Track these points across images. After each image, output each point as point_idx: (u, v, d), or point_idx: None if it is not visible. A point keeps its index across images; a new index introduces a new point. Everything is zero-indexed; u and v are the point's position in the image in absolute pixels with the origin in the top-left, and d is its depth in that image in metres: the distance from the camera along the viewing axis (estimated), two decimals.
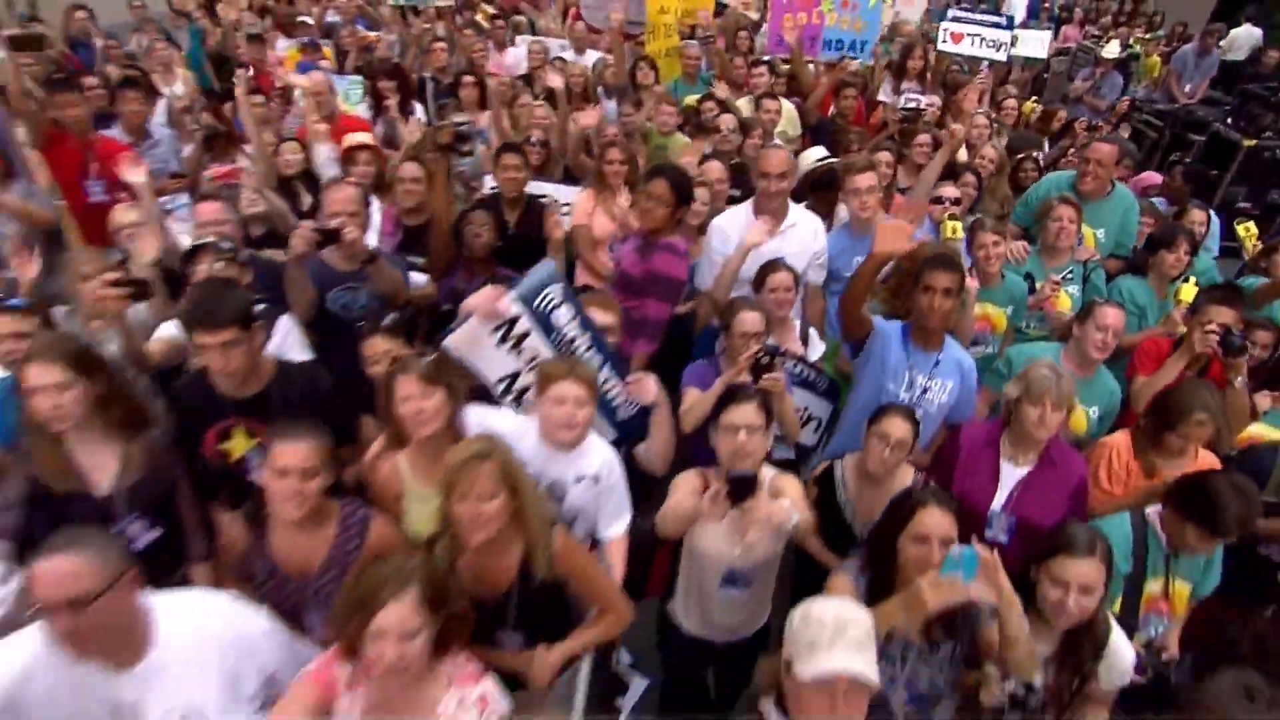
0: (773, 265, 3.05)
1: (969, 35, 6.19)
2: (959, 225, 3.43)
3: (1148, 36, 10.90)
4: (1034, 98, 7.78)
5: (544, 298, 2.57)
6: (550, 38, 6.87)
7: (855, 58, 5.85)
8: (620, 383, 2.70)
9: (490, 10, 7.94)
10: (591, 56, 6.43)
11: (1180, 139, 7.98)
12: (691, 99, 5.31)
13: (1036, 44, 6.95)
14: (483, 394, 2.56)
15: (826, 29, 6.00)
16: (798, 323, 3.27)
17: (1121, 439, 2.67)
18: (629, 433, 2.73)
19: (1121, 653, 1.92)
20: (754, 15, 7.23)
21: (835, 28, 6.04)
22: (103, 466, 2.11)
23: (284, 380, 2.32)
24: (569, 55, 6.30)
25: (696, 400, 2.62)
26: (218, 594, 1.82)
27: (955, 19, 6.27)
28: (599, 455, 2.29)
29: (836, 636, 1.44)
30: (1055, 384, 2.35)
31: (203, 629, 1.70)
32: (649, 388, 2.61)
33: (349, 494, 2.22)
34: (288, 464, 1.87)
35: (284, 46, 6.65)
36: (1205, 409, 2.44)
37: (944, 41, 6.22)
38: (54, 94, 3.95)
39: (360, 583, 1.64)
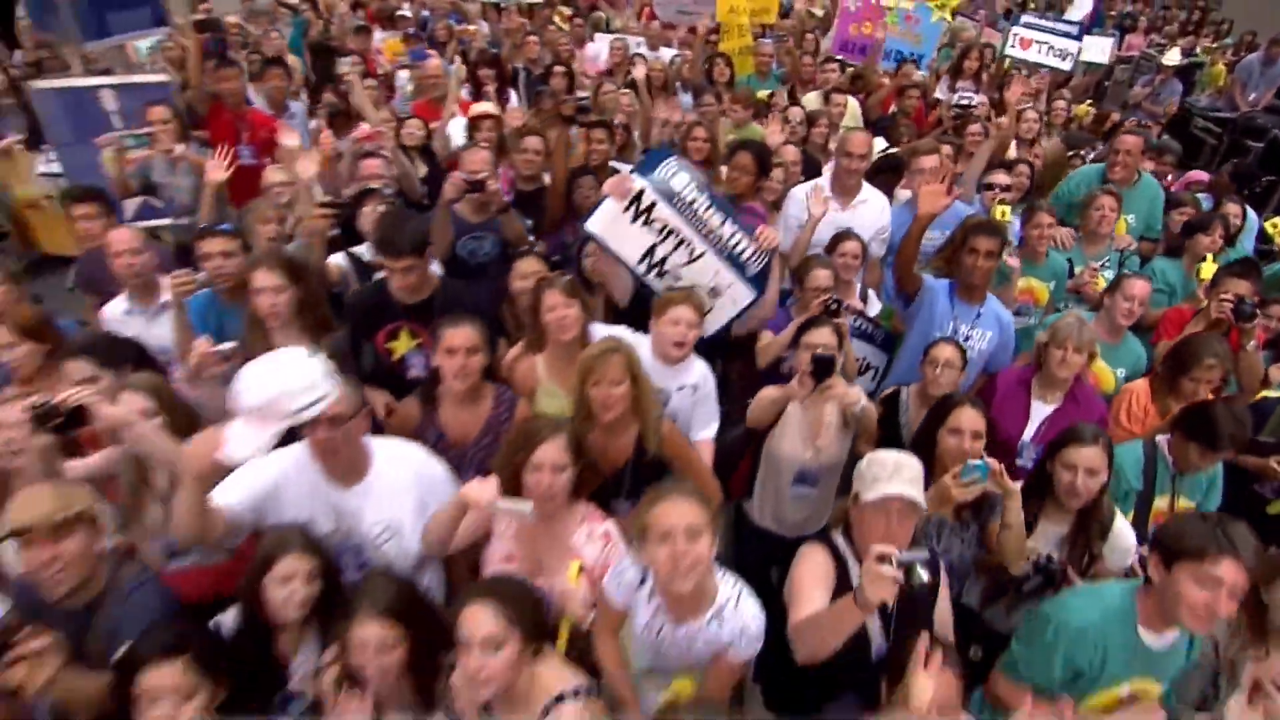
0: (846, 234, 3.52)
1: (1038, 42, 6.56)
2: (1008, 210, 3.87)
3: (1214, 45, 11.05)
4: (1091, 102, 8.11)
5: (664, 169, 3.02)
6: (627, 34, 7.46)
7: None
8: (747, 235, 3.09)
9: (567, 12, 8.59)
10: (667, 53, 6.99)
11: (1239, 145, 8.16)
12: (763, 93, 5.83)
13: (1098, 50, 7.27)
14: None
15: (889, 38, 6.48)
16: (859, 285, 3.75)
17: (1141, 384, 3.10)
18: (760, 288, 3.10)
19: (1124, 535, 2.36)
20: (819, 12, 7.72)
21: (897, 38, 6.52)
22: None
23: (445, 291, 2.89)
24: (645, 51, 6.86)
25: (773, 339, 3.13)
26: (412, 444, 2.38)
27: (1026, 25, 6.64)
28: (698, 369, 2.80)
29: (895, 473, 1.94)
30: (1077, 330, 2.80)
31: (404, 465, 2.26)
32: (773, 234, 3.08)
33: None
34: (454, 343, 2.40)
35: (381, 37, 7.36)
36: (1214, 356, 2.85)
37: (1012, 46, 6.61)
38: (216, 70, 4.64)
39: (521, 430, 2.19)
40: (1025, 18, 6.91)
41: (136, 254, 3.07)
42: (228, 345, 2.68)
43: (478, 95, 5.76)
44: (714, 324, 3.02)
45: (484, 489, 1.98)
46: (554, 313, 2.59)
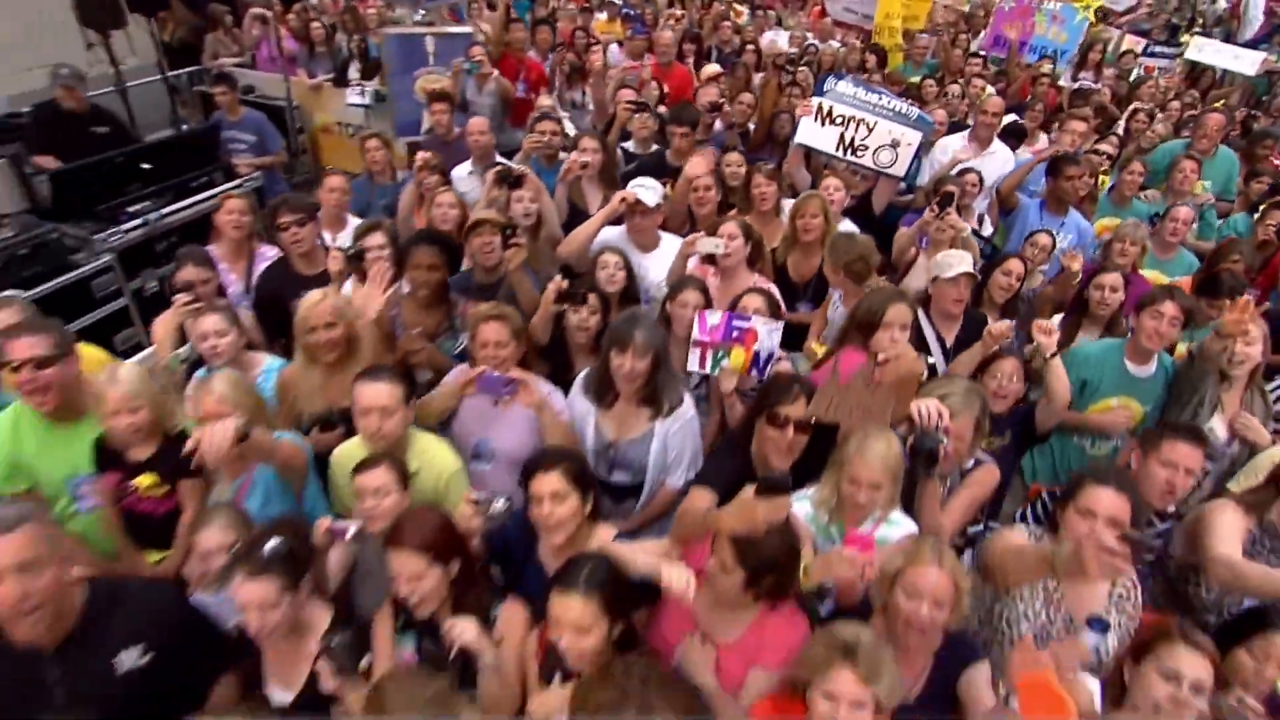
0: (968, 169, 4.86)
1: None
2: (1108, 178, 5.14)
3: None
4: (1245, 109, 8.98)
5: (828, 84, 4.48)
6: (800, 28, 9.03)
7: (1055, 64, 7.53)
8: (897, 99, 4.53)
9: (741, 10, 10.22)
10: (834, 45, 8.47)
11: None
12: (914, 79, 7.21)
13: (1248, 63, 8.26)
14: None
15: (1035, 36, 7.70)
16: (978, 211, 5.07)
17: (1185, 280, 4.26)
18: (925, 126, 4.49)
19: None
20: (964, 8, 9.03)
21: (1042, 36, 7.72)
22: None
23: None
24: (817, 42, 8.37)
25: (906, 230, 4.50)
26: None
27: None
28: None
29: (960, 260, 3.31)
30: (1132, 229, 4.05)
31: None
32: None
33: None
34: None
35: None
36: (1239, 252, 4.03)
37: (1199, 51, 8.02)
38: (507, 26, 6.50)
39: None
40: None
41: (484, 134, 4.82)
42: None
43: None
44: (903, 162, 4.41)
45: None
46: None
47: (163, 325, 3.09)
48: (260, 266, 3.92)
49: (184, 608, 2.20)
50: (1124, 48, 8.88)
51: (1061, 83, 7.32)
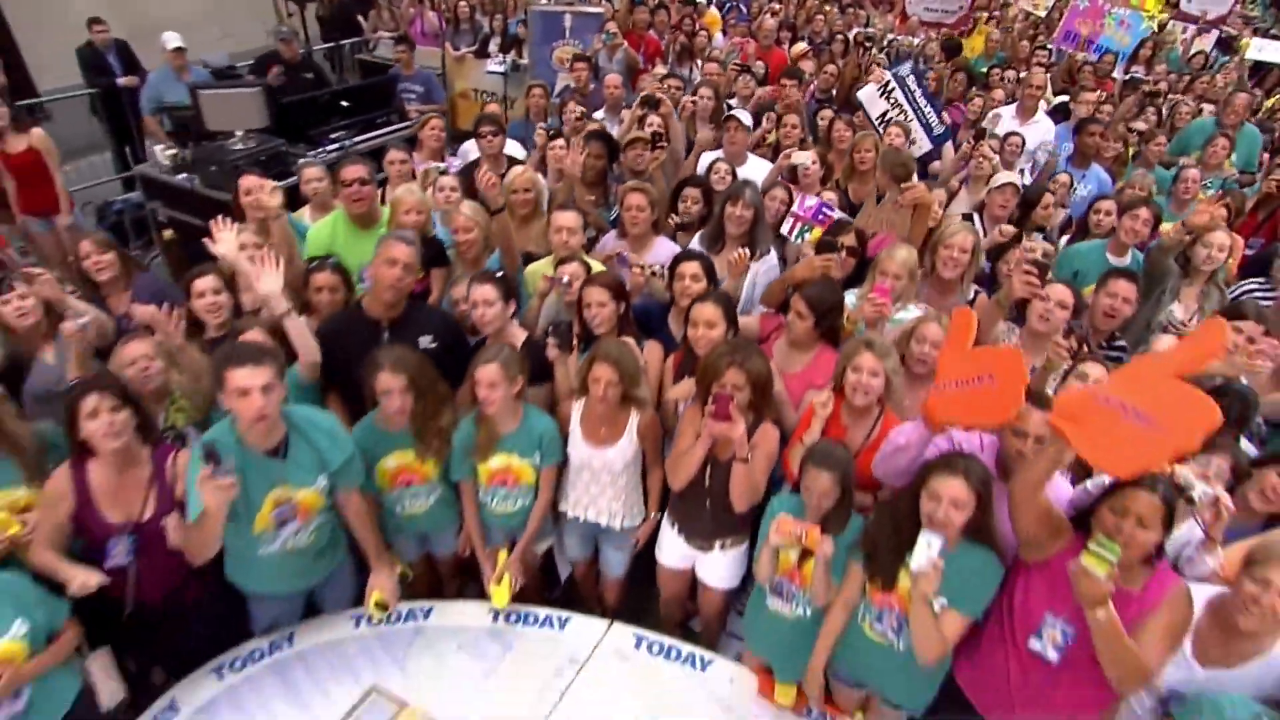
0: (1012, 133, 5.93)
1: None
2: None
3: None
4: None
5: (897, 67, 5.74)
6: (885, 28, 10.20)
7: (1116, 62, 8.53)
8: (936, 113, 5.73)
9: (831, 8, 11.42)
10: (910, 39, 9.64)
11: None
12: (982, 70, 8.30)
13: (1272, 50, 9.06)
14: None
15: (1104, 36, 8.69)
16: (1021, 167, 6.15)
17: None
18: (936, 141, 5.72)
19: None
20: (1041, 13, 10.05)
21: (1108, 36, 8.70)
22: None
23: None
24: (902, 37, 9.56)
25: (954, 160, 5.63)
26: None
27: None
28: None
29: (1007, 175, 4.46)
30: (1140, 178, 5.09)
31: None
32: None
33: None
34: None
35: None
36: (1231, 197, 5.02)
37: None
38: (631, 10, 7.87)
39: None
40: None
41: (618, 88, 6.17)
42: None
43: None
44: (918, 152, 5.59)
45: None
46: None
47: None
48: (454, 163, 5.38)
49: (457, 328, 3.56)
50: (1195, 48, 9.73)
51: (1115, 74, 8.28)
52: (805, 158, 4.75)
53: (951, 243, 3.70)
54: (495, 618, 3.30)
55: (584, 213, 3.99)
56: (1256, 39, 9.51)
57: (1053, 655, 2.32)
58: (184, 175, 5.96)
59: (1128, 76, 7.51)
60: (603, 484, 3.20)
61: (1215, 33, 9.89)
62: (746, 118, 5.15)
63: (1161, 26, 9.57)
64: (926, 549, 2.24)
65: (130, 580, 2.72)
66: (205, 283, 3.35)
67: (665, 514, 3.31)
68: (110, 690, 2.75)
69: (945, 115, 6.00)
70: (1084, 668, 2.26)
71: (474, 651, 3.17)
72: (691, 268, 3.44)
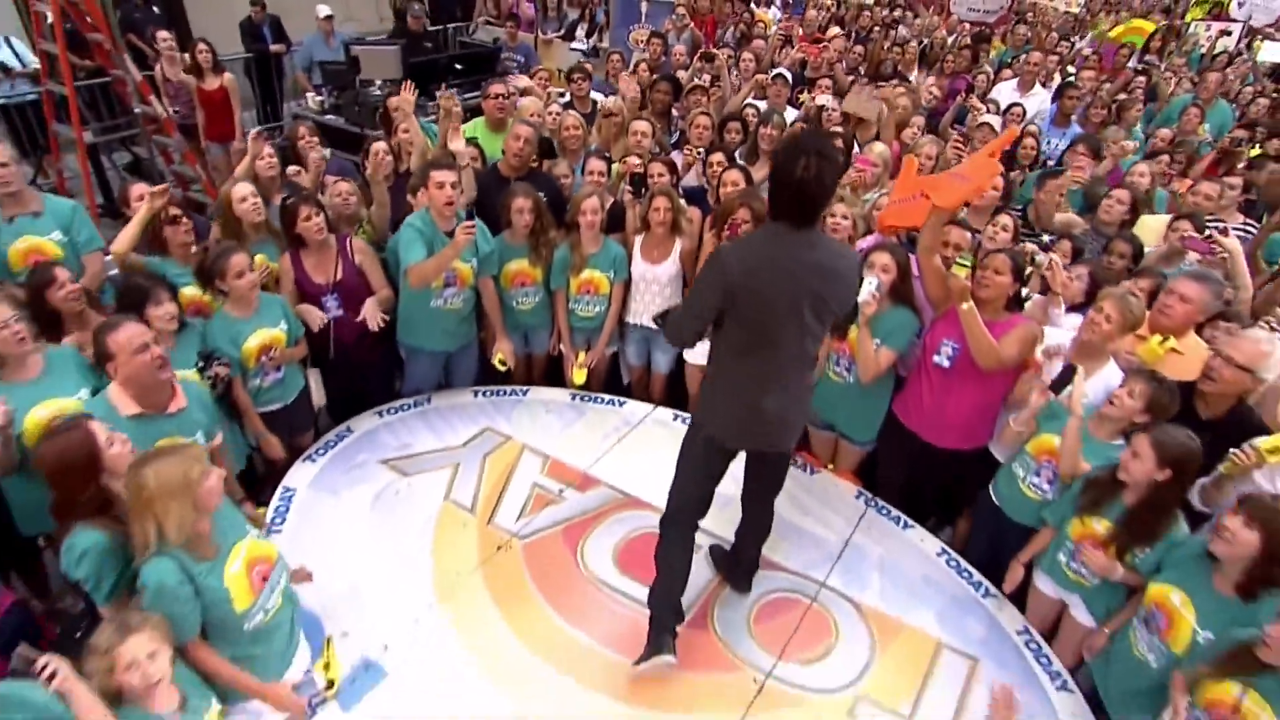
0: (1014, 105, 7.18)
1: None
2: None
3: None
4: None
5: None
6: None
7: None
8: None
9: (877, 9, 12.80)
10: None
11: None
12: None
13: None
14: None
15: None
16: None
17: None
18: None
19: None
20: (1075, 10, 11.25)
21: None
22: None
23: None
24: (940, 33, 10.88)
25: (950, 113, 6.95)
26: None
27: None
28: None
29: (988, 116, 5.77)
30: (1114, 131, 6.32)
31: None
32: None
33: None
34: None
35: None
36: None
37: None
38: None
39: None
40: None
41: (684, 56, 7.66)
42: None
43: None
44: None
45: None
46: None
47: None
48: None
49: (557, 190, 4.98)
50: (1219, 49, 10.81)
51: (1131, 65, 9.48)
52: (828, 99, 6.11)
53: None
54: (573, 397, 4.76)
55: (653, 126, 5.46)
56: (1269, 42, 10.54)
57: (945, 363, 3.63)
58: (330, 116, 7.67)
59: (1141, 65, 8.72)
60: (654, 294, 4.61)
61: (1235, 34, 10.94)
62: (786, 75, 6.55)
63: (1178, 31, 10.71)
64: (868, 287, 3.58)
65: (332, 331, 4.23)
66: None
67: None
68: (318, 395, 4.29)
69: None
70: (965, 370, 3.56)
71: (557, 414, 4.63)
72: (733, 175, 4.77)
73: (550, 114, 5.73)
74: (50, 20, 6.50)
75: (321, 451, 4.14)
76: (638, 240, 4.63)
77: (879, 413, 4.03)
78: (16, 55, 8.66)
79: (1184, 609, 2.75)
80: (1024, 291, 3.86)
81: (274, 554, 2.69)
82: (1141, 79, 8.05)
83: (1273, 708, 2.35)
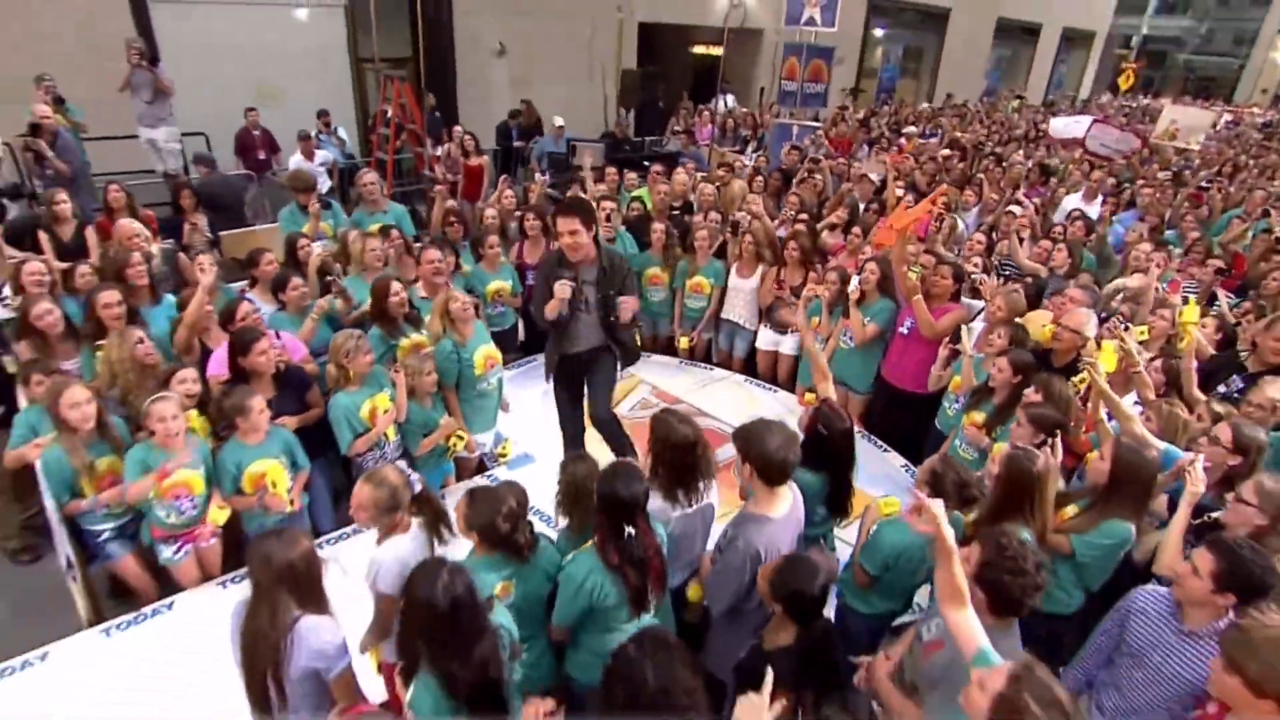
0: (1077, 209, 9.15)
1: None
2: None
3: None
4: None
5: None
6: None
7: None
8: None
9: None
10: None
11: None
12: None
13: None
14: None
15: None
16: None
17: None
18: None
19: None
20: (1195, 146, 12.87)
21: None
22: None
23: None
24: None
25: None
26: None
27: None
28: None
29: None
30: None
31: None
32: None
33: None
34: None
35: None
36: None
37: None
38: (833, 125, 12.13)
39: None
40: None
41: (794, 151, 10.33)
42: None
43: None
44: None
45: None
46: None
47: None
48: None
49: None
50: None
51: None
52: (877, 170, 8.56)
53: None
54: (679, 361, 7.31)
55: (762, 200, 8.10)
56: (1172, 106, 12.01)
57: (905, 332, 5.82)
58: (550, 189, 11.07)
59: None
60: (740, 299, 7.10)
61: None
62: (874, 176, 9.04)
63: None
64: (855, 281, 5.91)
65: None
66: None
67: (761, 321, 7.13)
68: None
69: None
70: (916, 336, 5.74)
71: (665, 368, 7.18)
72: (801, 225, 7.29)
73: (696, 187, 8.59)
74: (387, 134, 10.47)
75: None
76: (734, 263, 7.19)
77: (871, 371, 6.22)
78: (344, 141, 13.01)
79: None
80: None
81: (498, 357, 5.38)
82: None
83: None
